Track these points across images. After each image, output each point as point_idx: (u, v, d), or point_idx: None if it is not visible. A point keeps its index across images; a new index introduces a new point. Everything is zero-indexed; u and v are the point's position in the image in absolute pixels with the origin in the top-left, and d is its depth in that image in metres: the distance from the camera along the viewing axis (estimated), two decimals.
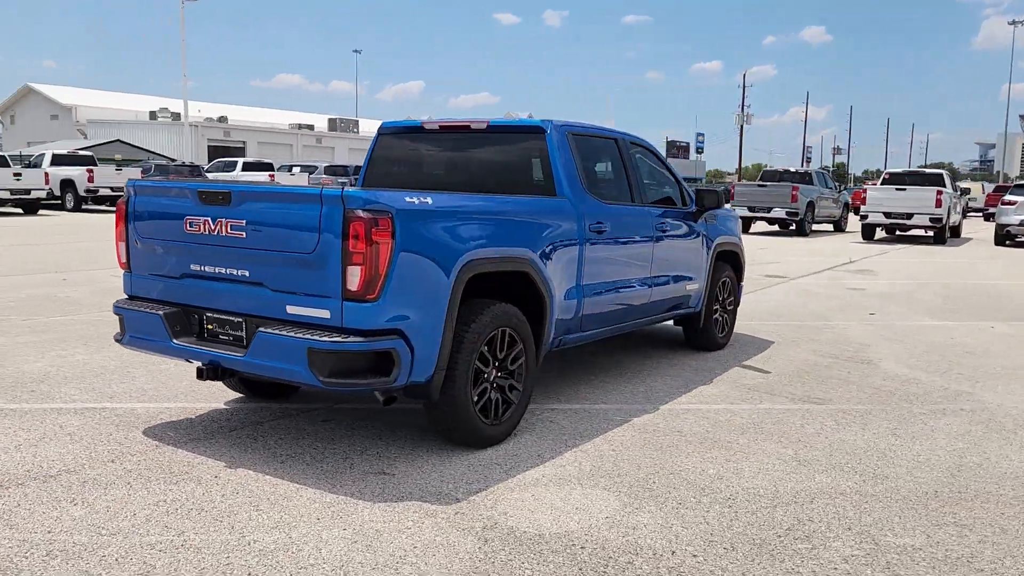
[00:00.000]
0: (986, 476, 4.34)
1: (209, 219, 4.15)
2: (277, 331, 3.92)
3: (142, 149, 45.96)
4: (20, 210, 24.61)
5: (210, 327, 4.29)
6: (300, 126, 63.85)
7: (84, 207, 26.81)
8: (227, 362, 4.13)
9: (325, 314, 3.85)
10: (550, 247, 4.89)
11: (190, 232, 4.24)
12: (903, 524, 3.68)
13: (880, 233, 23.78)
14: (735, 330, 8.17)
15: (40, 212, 24.81)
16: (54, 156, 26.81)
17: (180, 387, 5.53)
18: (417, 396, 4.24)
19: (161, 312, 4.34)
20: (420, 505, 3.72)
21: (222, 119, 60.29)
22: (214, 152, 50.26)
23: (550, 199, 5.07)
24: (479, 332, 4.32)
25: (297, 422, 4.89)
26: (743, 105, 79.63)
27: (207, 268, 4.23)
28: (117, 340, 4.64)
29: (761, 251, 17.94)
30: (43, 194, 24.16)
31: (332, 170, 35.69)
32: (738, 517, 3.70)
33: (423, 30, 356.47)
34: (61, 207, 26.22)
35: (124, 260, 4.63)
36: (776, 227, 24.84)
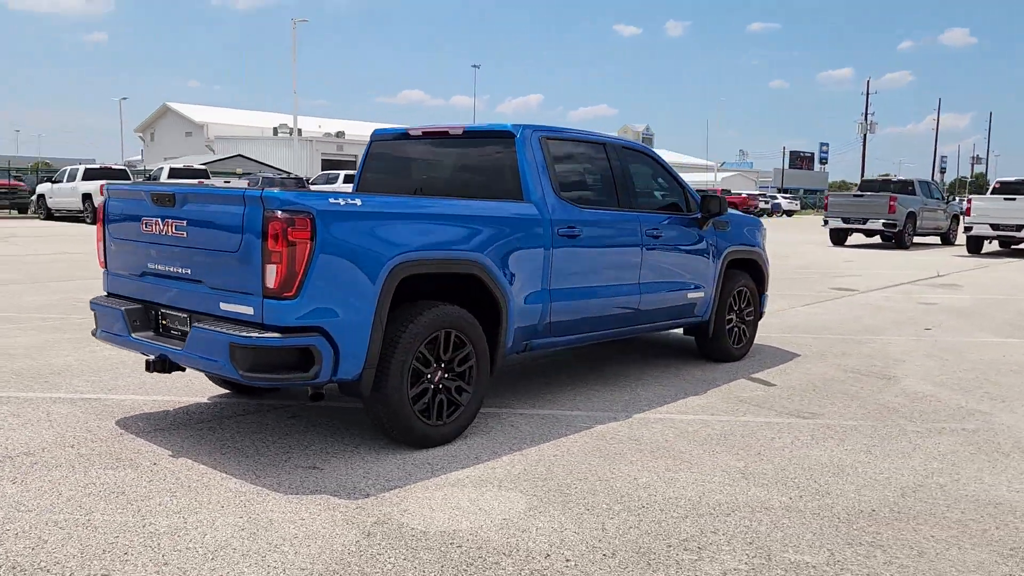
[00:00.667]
0: (942, 498, 4.06)
1: (159, 220, 4.40)
2: (206, 326, 4.11)
3: (260, 163, 48.30)
4: None
5: (164, 322, 4.54)
6: None
7: None
8: (172, 356, 4.35)
9: (249, 311, 4.01)
10: (507, 251, 4.90)
11: (146, 232, 4.50)
12: (812, 541, 3.50)
13: (993, 246, 22.39)
14: (761, 342, 7.93)
15: None
16: (171, 170, 28.58)
17: (178, 383, 5.82)
18: (349, 393, 4.35)
19: (123, 308, 4.62)
20: (327, 499, 3.82)
21: (340, 134, 62.72)
22: (327, 165, 52.28)
23: (509, 203, 5.09)
24: (417, 332, 4.39)
25: (264, 417, 5.08)
26: (866, 113, 77.38)
27: (159, 266, 4.48)
28: (93, 334, 4.96)
29: (846, 264, 17.19)
30: None
31: None
32: (639, 525, 3.62)
33: (543, 44, 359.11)
34: None
35: (102, 259, 4.95)
36: (878, 239, 23.75)
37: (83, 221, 25.55)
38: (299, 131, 51.11)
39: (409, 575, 3.12)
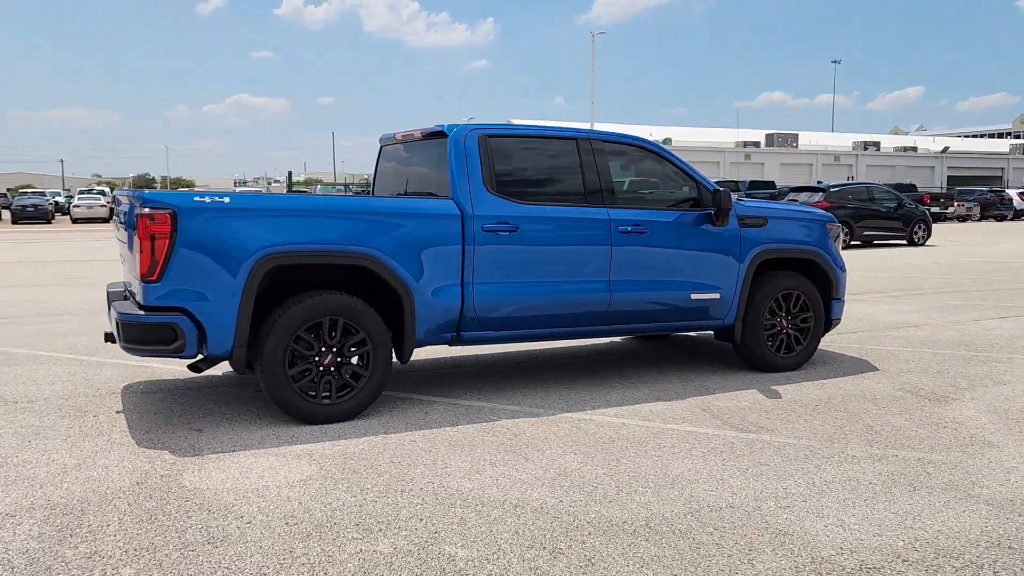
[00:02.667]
0: (726, 520, 3.60)
1: (119, 218, 5.38)
2: (114, 305, 4.97)
3: None
4: None
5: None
6: (745, 144, 64.22)
7: None
8: None
9: (138, 292, 4.79)
10: (411, 245, 5.15)
11: (117, 229, 5.51)
12: (495, 539, 3.39)
13: None
14: (860, 355, 7.24)
15: None
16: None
17: None
18: (235, 369, 4.94)
19: (107, 291, 5.68)
20: (159, 453, 4.45)
21: (666, 141, 63.35)
22: None
23: (420, 199, 5.33)
24: (293, 317, 4.86)
25: (234, 390, 5.85)
26: None
27: (125, 256, 5.46)
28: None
29: None
30: None
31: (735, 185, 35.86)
32: (362, 507, 3.75)
33: (924, 30, 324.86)
34: None
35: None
36: None
37: None
38: None
39: (119, 513, 3.62)
